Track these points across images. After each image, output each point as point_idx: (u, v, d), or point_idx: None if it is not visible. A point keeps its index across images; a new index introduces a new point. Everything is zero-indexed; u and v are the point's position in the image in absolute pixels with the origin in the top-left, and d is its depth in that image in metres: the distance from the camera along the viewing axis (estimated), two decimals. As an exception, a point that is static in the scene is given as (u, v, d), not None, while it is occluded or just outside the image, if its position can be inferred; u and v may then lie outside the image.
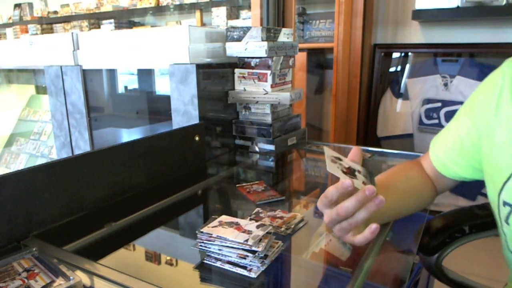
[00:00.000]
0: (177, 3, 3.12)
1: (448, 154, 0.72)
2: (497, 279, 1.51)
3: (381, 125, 2.08)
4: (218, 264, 0.61)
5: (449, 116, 1.71)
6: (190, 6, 3.08)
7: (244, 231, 0.63)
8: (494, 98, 0.62)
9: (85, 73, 1.55)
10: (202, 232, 0.63)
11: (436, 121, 1.76)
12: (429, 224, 0.84)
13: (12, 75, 2.43)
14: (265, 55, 1.23)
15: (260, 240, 0.61)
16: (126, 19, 3.54)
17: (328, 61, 2.28)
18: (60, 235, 0.74)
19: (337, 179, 0.55)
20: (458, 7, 1.56)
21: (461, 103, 1.69)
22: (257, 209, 0.81)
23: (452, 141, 0.71)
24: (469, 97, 0.69)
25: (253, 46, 1.24)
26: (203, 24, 3.08)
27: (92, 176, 0.83)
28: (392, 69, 1.95)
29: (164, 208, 0.88)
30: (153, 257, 0.70)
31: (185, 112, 1.19)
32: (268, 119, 1.30)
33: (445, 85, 1.74)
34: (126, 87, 1.79)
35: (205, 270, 0.61)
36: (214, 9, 2.91)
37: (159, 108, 1.61)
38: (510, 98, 0.59)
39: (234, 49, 1.28)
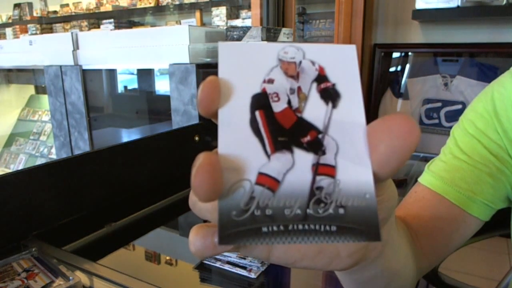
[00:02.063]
0: (177, 3, 3.11)
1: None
2: (497, 279, 1.50)
3: (381, 125, 2.07)
4: (218, 264, 0.61)
5: (449, 116, 1.71)
6: (190, 6, 3.07)
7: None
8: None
9: (85, 73, 1.55)
10: (202, 232, 0.63)
11: (437, 121, 1.76)
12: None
13: (11, 75, 2.43)
14: (265, 55, 1.22)
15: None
16: (125, 19, 3.54)
17: (328, 61, 2.27)
18: (60, 235, 0.74)
19: None
20: (458, 7, 1.56)
21: (461, 103, 1.69)
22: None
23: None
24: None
25: (253, 46, 1.24)
26: (203, 24, 3.08)
27: (92, 176, 0.83)
28: (392, 69, 1.95)
29: (164, 208, 0.88)
30: (153, 257, 0.69)
31: (185, 112, 1.19)
32: (268, 119, 1.29)
33: (445, 85, 1.74)
34: (125, 87, 1.78)
35: (205, 270, 0.61)
36: (214, 9, 2.91)
37: (159, 108, 1.61)
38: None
39: (234, 49, 1.28)
